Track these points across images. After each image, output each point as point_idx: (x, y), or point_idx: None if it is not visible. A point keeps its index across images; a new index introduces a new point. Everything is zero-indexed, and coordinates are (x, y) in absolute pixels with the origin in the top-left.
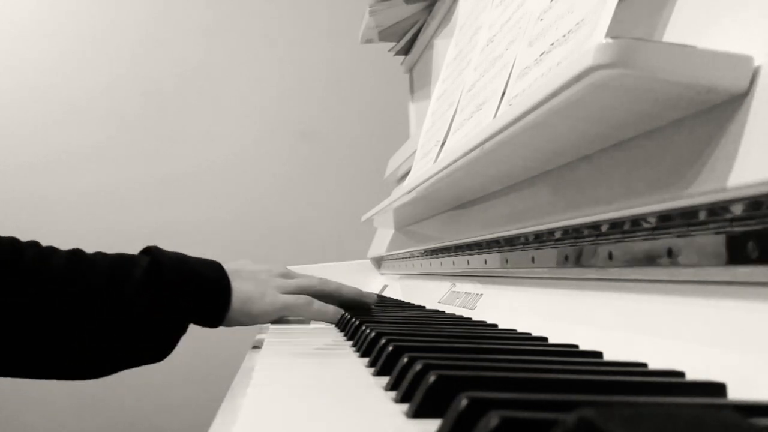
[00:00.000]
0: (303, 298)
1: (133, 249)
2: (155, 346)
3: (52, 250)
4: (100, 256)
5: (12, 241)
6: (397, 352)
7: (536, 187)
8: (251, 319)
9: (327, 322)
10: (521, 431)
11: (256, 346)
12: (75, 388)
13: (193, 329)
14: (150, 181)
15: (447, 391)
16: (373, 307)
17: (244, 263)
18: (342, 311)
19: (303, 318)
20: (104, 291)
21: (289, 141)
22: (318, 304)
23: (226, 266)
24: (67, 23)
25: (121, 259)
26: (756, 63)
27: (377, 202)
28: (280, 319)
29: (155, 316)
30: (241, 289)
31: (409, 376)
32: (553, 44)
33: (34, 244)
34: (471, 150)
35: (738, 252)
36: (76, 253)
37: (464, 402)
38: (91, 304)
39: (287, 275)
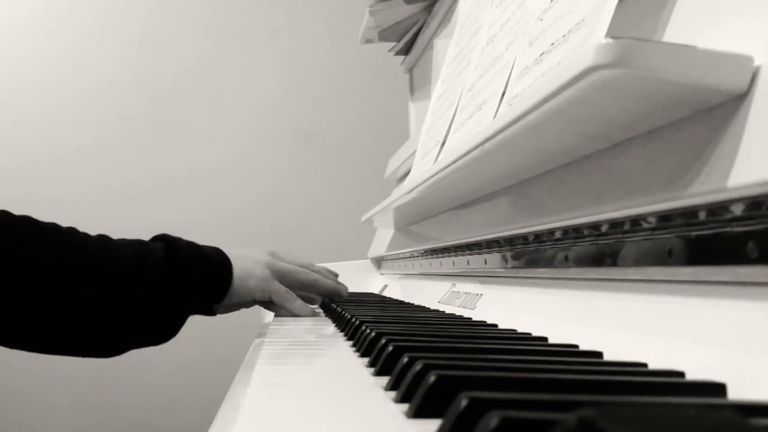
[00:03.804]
0: (290, 293)
1: None
2: (168, 322)
3: (87, 236)
4: (122, 242)
5: (54, 227)
6: (397, 352)
7: (536, 187)
8: (248, 292)
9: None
10: (521, 431)
11: (256, 346)
12: (75, 388)
13: (194, 331)
14: (150, 180)
15: (447, 391)
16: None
17: (244, 250)
18: (316, 308)
19: (284, 308)
20: (131, 272)
21: (289, 141)
22: (299, 303)
23: (226, 250)
24: (67, 22)
25: (141, 244)
26: (756, 63)
27: (377, 202)
28: (267, 306)
29: (173, 290)
30: (239, 266)
31: (409, 376)
32: (553, 44)
33: (72, 230)
34: (471, 150)
35: (738, 252)
36: (105, 238)
37: (464, 402)
38: (120, 281)
39: (275, 254)
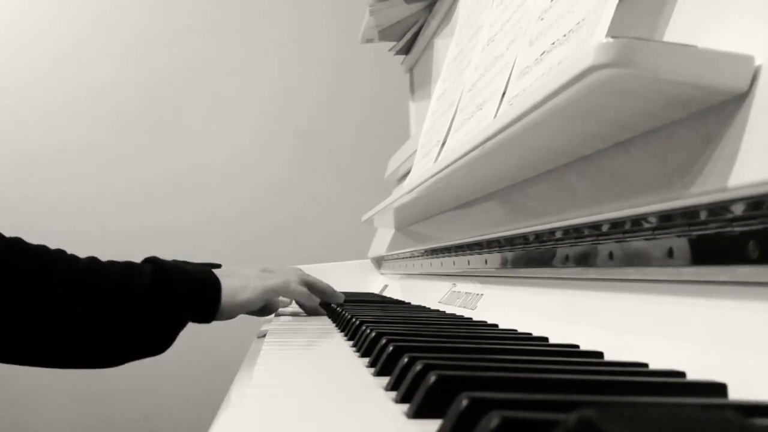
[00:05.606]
0: (282, 280)
1: (132, 248)
2: (159, 339)
3: (75, 257)
4: (111, 263)
5: (43, 249)
6: (398, 353)
7: (536, 187)
8: (239, 307)
9: (305, 303)
10: (522, 431)
11: (255, 346)
12: (76, 387)
13: (194, 331)
14: (149, 180)
15: (447, 391)
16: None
17: (237, 267)
18: (317, 300)
19: (285, 298)
20: (118, 292)
21: (289, 141)
22: (294, 285)
23: (216, 270)
24: (67, 21)
25: (130, 265)
26: (757, 63)
27: (377, 202)
28: (268, 308)
29: (161, 311)
30: (227, 285)
31: (410, 376)
32: (553, 44)
33: (61, 252)
34: (471, 150)
35: (738, 252)
36: (94, 260)
37: (465, 402)
38: (108, 302)
39: (267, 269)
